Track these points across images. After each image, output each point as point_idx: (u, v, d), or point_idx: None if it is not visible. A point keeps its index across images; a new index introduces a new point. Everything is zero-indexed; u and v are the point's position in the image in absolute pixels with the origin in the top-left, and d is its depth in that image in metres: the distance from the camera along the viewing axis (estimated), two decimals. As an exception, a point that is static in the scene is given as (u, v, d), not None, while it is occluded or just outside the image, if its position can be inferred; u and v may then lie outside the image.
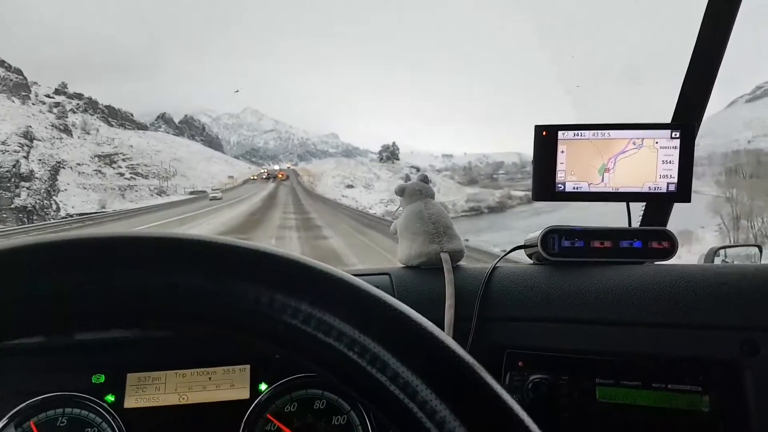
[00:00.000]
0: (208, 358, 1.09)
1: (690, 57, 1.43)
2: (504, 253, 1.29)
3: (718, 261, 1.68)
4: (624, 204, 1.27)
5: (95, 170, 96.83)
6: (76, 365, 1.07)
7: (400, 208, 1.31)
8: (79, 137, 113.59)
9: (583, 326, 1.08)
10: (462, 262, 1.25)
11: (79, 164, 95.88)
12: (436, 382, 0.33)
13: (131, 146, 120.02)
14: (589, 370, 1.05)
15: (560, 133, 1.25)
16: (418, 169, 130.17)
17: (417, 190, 1.29)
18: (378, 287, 0.99)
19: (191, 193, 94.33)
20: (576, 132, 1.24)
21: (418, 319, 0.35)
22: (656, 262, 1.19)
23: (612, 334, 1.06)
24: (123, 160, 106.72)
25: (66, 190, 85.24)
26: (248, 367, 1.09)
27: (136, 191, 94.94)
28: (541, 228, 1.22)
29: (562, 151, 1.25)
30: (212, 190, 54.53)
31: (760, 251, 1.70)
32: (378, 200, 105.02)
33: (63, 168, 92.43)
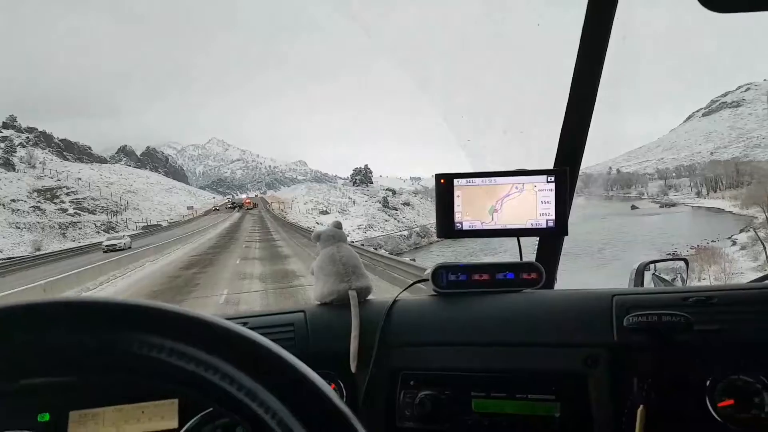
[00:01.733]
0: (141, 395, 1.18)
1: (564, 111, 1.57)
2: (404, 288, 1.43)
3: (648, 275, 1.76)
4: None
5: (33, 207, 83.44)
6: (23, 405, 1.15)
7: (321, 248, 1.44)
8: (25, 172, 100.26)
9: (464, 348, 1.24)
10: (371, 296, 1.40)
11: (13, 200, 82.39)
12: (270, 384, 0.42)
13: (79, 179, 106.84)
14: (467, 386, 1.20)
15: (455, 180, 1.43)
16: (393, 192, 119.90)
17: (331, 236, 1.43)
18: (293, 324, 1.29)
19: (144, 227, 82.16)
20: (468, 179, 1.43)
21: (255, 337, 0.44)
22: (526, 290, 1.35)
23: (487, 353, 1.22)
24: (67, 194, 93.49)
25: (-8, 230, 72.00)
26: (176, 400, 1.18)
27: (80, 228, 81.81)
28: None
29: (458, 196, 1.43)
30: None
31: (686, 264, 1.82)
32: (355, 226, 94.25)
33: (-8, 205, 79.05)
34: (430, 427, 1.20)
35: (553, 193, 1.41)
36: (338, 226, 1.47)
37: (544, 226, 1.42)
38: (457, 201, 1.44)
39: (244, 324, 1.34)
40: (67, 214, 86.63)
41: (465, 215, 1.44)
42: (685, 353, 1.12)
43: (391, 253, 25.25)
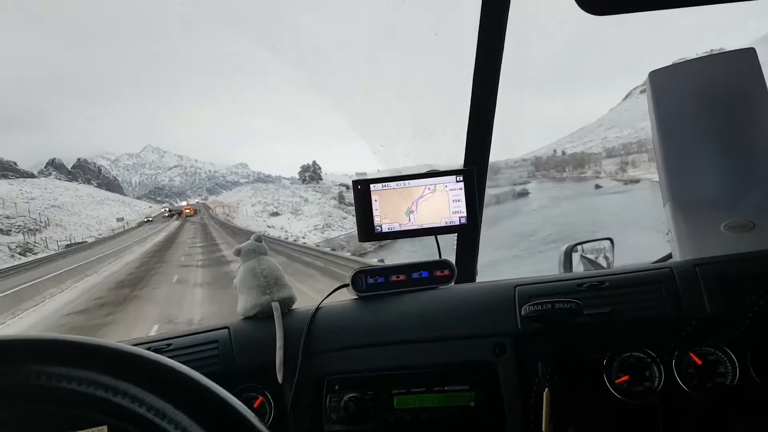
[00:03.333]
0: (68, 425, 1.16)
1: (468, 114, 1.65)
2: (326, 295, 1.45)
3: (575, 256, 1.82)
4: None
5: (-71, 232, 70.47)
6: None
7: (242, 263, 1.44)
8: None
9: (385, 348, 1.28)
10: (296, 305, 1.43)
11: None
12: (176, 401, 0.44)
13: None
14: (388, 384, 1.24)
15: (372, 185, 1.47)
16: (348, 187, 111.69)
17: (251, 250, 1.45)
18: (217, 341, 1.29)
19: (67, 246, 70.69)
20: (384, 183, 1.47)
21: (162, 360, 0.46)
22: (441, 287, 1.42)
23: (406, 351, 1.26)
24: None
25: None
26: (105, 427, 1.20)
27: (-11, 254, 69.27)
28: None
29: (376, 200, 1.47)
30: None
31: (612, 243, 1.88)
32: (311, 226, 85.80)
33: None
34: (356, 428, 1.23)
35: (463, 191, 1.46)
36: (258, 239, 1.49)
37: (458, 223, 1.46)
38: (375, 205, 1.47)
39: (168, 345, 1.33)
40: (-25, 238, 73.86)
41: (383, 218, 1.48)
42: (581, 336, 1.18)
43: (354, 254, 22.86)
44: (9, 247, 72.60)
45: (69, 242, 75.60)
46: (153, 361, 0.45)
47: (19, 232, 79.38)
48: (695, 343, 1.13)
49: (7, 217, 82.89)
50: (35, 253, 69.35)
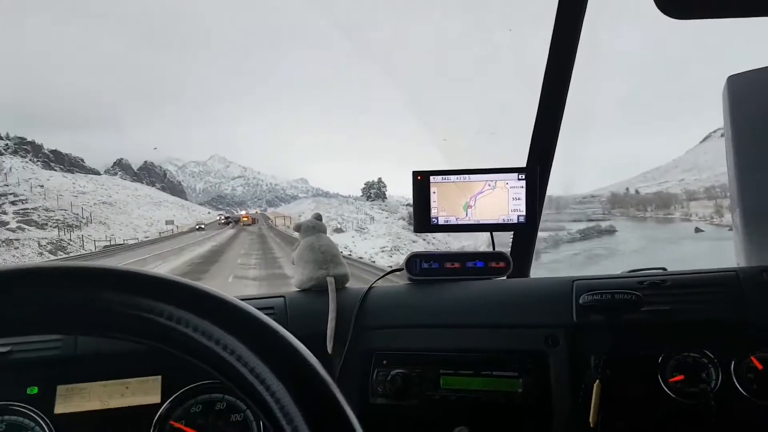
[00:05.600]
0: (126, 371, 1.22)
1: (536, 112, 1.63)
2: (380, 276, 1.49)
3: None
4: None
5: (-42, 219, 60.11)
6: (13, 379, 1.19)
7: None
8: None
9: (434, 330, 1.30)
10: (350, 284, 1.45)
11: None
12: (272, 363, 0.42)
13: (40, 186, 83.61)
14: (436, 364, 1.25)
15: (432, 177, 1.47)
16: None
17: (311, 227, 1.49)
18: (273, 308, 1.34)
19: (105, 247, 58.83)
20: (444, 176, 1.47)
21: (263, 318, 0.45)
22: (496, 278, 1.42)
23: (455, 335, 1.28)
24: (12, 203, 70.21)
25: None
26: (160, 377, 1.22)
27: (17, 248, 58.11)
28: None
29: (434, 192, 1.48)
30: None
31: None
32: (378, 248, 72.01)
33: None
34: (401, 402, 1.24)
35: (524, 190, 1.45)
36: (318, 218, 1.53)
37: (515, 221, 1.46)
38: (433, 197, 1.48)
39: None
40: (7, 229, 63.02)
41: (441, 211, 1.48)
42: (638, 332, 1.17)
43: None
44: (39, 243, 61.22)
45: (108, 242, 64.18)
46: (239, 308, 0.45)
47: (56, 227, 68.53)
48: (757, 347, 1.10)
49: (47, 210, 72.90)
50: (68, 253, 58.06)
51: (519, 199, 1.45)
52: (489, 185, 1.45)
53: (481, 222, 1.47)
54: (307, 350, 0.44)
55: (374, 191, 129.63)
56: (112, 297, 0.42)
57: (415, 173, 1.48)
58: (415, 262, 1.42)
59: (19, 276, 0.41)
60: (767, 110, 1.33)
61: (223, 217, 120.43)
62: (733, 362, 1.10)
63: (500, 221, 1.46)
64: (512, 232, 1.64)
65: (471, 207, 1.47)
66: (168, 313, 0.42)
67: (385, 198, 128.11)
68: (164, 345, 0.44)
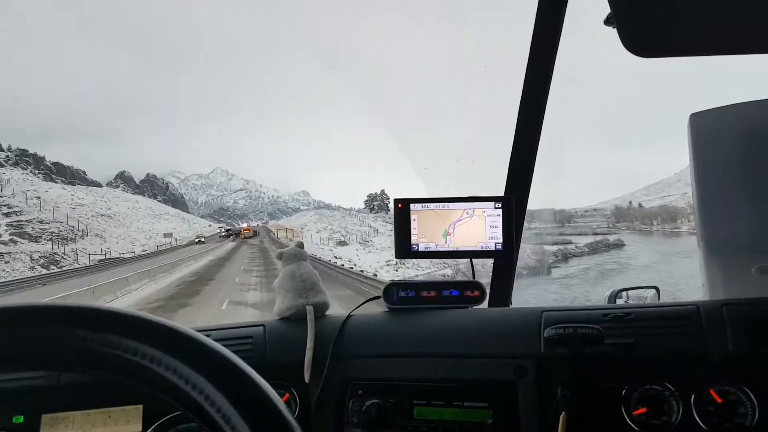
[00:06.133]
0: (108, 400, 1.24)
1: (512, 144, 1.65)
2: (358, 305, 1.47)
3: (620, 302, 1.78)
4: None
5: (-53, 231, 57.25)
6: None
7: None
8: None
9: (410, 360, 1.30)
10: (329, 311, 1.46)
11: None
12: (221, 386, 0.46)
13: (37, 197, 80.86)
14: (410, 394, 1.26)
15: (412, 205, 1.49)
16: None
17: (293, 254, 1.50)
18: (252, 336, 1.37)
19: (100, 261, 55.97)
20: (423, 204, 1.49)
21: (212, 345, 0.48)
22: (472, 307, 1.43)
23: (430, 365, 1.28)
24: (5, 215, 67.31)
25: None
26: (141, 406, 1.24)
27: (7, 262, 55.09)
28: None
29: (414, 219, 1.49)
30: None
31: (658, 292, 1.84)
32: (383, 262, 69.02)
33: None
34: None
35: (500, 218, 1.46)
36: (300, 245, 1.54)
37: (493, 248, 1.47)
38: (413, 224, 1.49)
39: (207, 335, 1.31)
40: (-2, 242, 59.93)
41: (421, 237, 1.50)
42: (602, 364, 1.18)
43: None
44: (31, 257, 58.31)
45: (104, 256, 61.32)
46: (204, 344, 0.48)
47: (50, 239, 65.58)
48: (716, 381, 1.11)
49: (41, 222, 69.94)
50: (61, 266, 55.22)
51: (496, 227, 1.46)
52: (467, 213, 1.47)
53: (460, 249, 1.48)
54: (263, 380, 0.48)
55: (377, 203, 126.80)
56: (84, 335, 0.45)
57: (396, 201, 1.51)
58: (392, 290, 1.44)
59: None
60: (727, 148, 1.37)
61: (223, 230, 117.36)
62: (693, 395, 1.11)
63: (478, 248, 1.47)
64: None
65: (450, 234, 1.48)
66: (135, 350, 0.45)
67: (389, 210, 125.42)
68: (133, 381, 0.46)
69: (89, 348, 0.45)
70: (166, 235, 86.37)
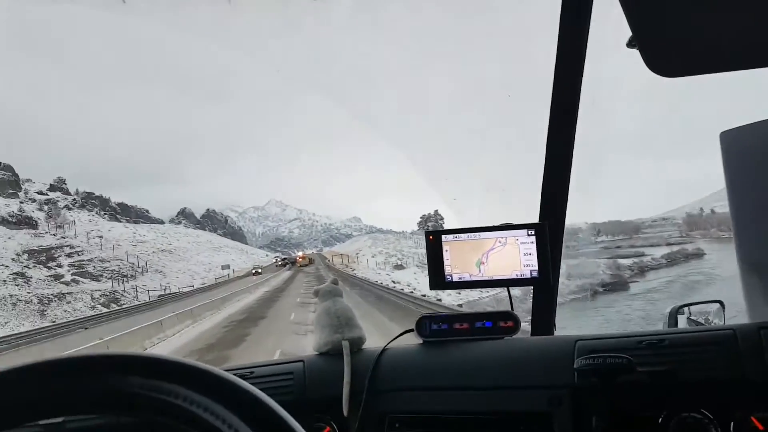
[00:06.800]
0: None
1: (543, 169, 1.63)
2: (392, 339, 1.49)
3: (682, 318, 1.74)
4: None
5: (15, 274, 57.63)
6: None
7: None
8: (47, 232, 76.62)
9: (445, 392, 1.31)
10: (365, 345, 1.48)
11: (-15, 266, 56.94)
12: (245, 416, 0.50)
13: (100, 236, 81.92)
14: (446, 427, 1.27)
15: (443, 236, 1.51)
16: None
17: (328, 291, 1.54)
18: (292, 372, 1.43)
19: (160, 297, 54.92)
20: (455, 235, 1.50)
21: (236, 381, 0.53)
22: (506, 337, 1.42)
23: (465, 397, 1.29)
24: (68, 255, 67.95)
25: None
26: None
27: (69, 302, 54.84)
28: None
29: (447, 250, 1.50)
30: None
31: (722, 306, 1.76)
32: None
33: (-51, 274, 53.51)
34: None
35: (534, 245, 1.45)
36: (335, 282, 1.59)
37: (529, 276, 1.46)
38: (446, 255, 1.50)
39: (251, 372, 1.41)
40: (61, 282, 60.33)
41: (454, 268, 1.50)
42: (637, 392, 1.16)
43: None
44: (92, 296, 57.95)
45: (163, 291, 60.44)
46: (240, 386, 0.52)
47: (110, 278, 65.48)
48: (757, 407, 1.07)
49: (102, 260, 70.19)
50: (120, 304, 54.50)
51: (530, 254, 1.45)
52: (500, 242, 1.46)
53: (495, 278, 1.47)
54: (295, 422, 0.52)
55: (431, 223, 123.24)
56: (136, 382, 0.50)
57: (427, 233, 1.54)
58: (425, 323, 1.44)
59: (52, 366, 0.49)
60: (762, 165, 1.32)
61: (279, 259, 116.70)
62: (732, 423, 1.07)
63: (513, 276, 1.46)
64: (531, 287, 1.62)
65: (483, 263, 1.48)
66: (177, 393, 0.50)
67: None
68: (177, 423, 0.51)
69: (139, 393, 0.49)
70: (223, 267, 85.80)
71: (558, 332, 1.63)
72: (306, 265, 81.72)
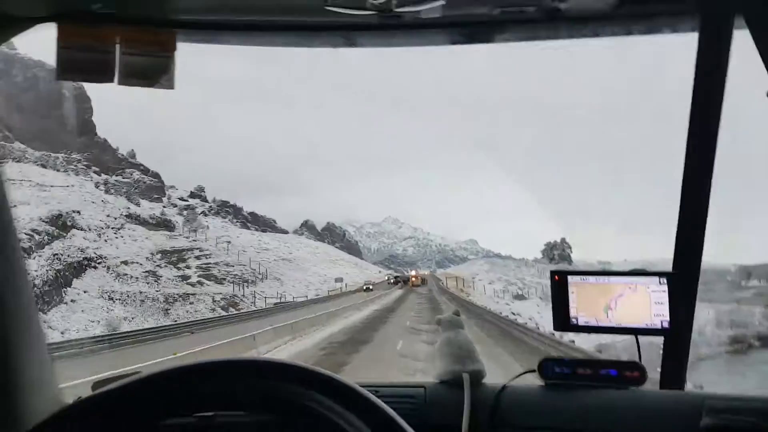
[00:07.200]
0: None
1: (678, 214, 1.55)
2: (514, 377, 1.47)
3: None
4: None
5: (147, 272, 61.48)
6: None
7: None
8: (180, 234, 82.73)
9: None
10: (486, 380, 1.47)
11: (124, 262, 61.22)
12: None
13: (228, 242, 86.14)
14: None
15: (570, 277, 1.47)
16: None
17: (450, 322, 1.55)
18: (414, 397, 1.43)
19: (276, 304, 55.25)
20: (582, 277, 1.46)
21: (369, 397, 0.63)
22: (631, 388, 1.37)
23: None
24: (197, 257, 71.53)
25: (75, 301, 49.80)
26: None
27: (191, 303, 56.96)
28: None
29: (573, 292, 1.46)
30: None
31: None
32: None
33: (93, 268, 57.84)
34: None
35: (666, 294, 1.40)
36: (457, 313, 1.60)
37: (659, 326, 1.40)
38: (571, 297, 1.46)
39: (376, 392, 1.41)
40: (187, 283, 63.14)
41: (580, 311, 1.46)
42: None
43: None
44: (213, 299, 59.83)
45: (279, 299, 61.00)
46: (377, 405, 0.61)
47: (232, 282, 67.62)
48: None
49: (227, 265, 72.99)
50: (239, 309, 55.61)
51: (662, 303, 1.39)
52: (629, 288, 1.42)
53: (623, 325, 1.43)
54: None
55: (557, 252, 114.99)
56: (292, 389, 0.60)
57: (553, 273, 1.51)
58: (547, 365, 1.42)
59: (231, 367, 0.61)
60: None
61: (392, 277, 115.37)
62: None
63: (643, 326, 1.41)
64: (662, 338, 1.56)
65: (611, 309, 1.44)
66: (325, 404, 0.60)
67: (571, 261, 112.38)
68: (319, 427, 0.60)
69: (293, 399, 0.59)
70: (337, 280, 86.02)
71: (707, 388, 1.32)
72: (419, 286, 79.20)
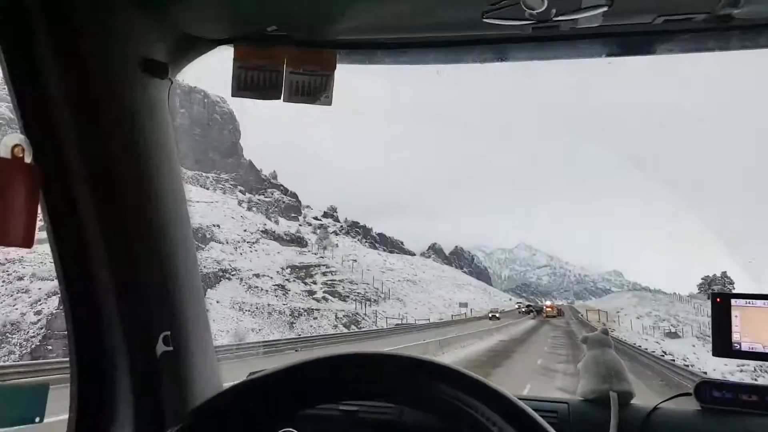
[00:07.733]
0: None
1: None
2: (666, 399, 1.41)
3: None
4: None
5: (276, 285, 63.11)
6: None
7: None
8: (309, 251, 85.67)
9: None
10: (634, 401, 1.40)
11: (256, 275, 63.51)
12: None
13: (354, 260, 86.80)
14: None
15: (733, 300, 1.38)
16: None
17: (597, 340, 1.51)
18: (557, 412, 1.36)
19: (397, 325, 53.27)
20: (748, 300, 1.36)
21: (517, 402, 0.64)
22: None
23: None
24: (323, 273, 72.35)
25: (208, 310, 51.92)
26: None
27: (315, 318, 57.05)
28: None
29: (736, 316, 1.36)
30: None
31: None
32: (733, 366, 48.84)
33: (227, 279, 60.62)
34: None
35: None
36: (605, 332, 1.55)
37: None
38: (734, 321, 1.37)
39: None
40: (312, 299, 63.62)
41: (744, 336, 1.37)
42: None
43: None
44: (336, 315, 59.46)
45: (400, 320, 58.95)
46: (530, 415, 0.62)
47: (354, 300, 67.10)
48: None
49: (351, 282, 72.88)
50: (360, 327, 54.55)
51: None
52: None
53: None
54: None
55: (717, 288, 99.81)
56: (444, 389, 0.61)
57: (714, 294, 1.41)
58: (705, 389, 1.34)
59: (395, 360, 0.64)
60: None
61: (523, 305, 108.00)
62: None
63: None
64: None
65: None
66: (479, 409, 0.61)
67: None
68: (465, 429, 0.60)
69: (446, 400, 0.61)
70: (461, 305, 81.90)
71: None
72: (554, 317, 72.28)
